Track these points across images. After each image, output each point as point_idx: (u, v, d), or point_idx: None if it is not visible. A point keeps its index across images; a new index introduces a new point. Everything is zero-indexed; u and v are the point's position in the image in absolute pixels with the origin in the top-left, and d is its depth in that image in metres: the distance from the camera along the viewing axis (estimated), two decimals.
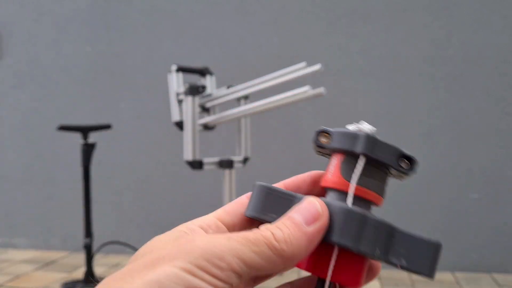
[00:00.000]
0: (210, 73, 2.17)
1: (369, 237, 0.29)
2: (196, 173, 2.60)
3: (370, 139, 0.32)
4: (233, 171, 2.04)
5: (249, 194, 0.33)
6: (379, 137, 0.32)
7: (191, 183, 2.63)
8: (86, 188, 2.19)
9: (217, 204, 2.51)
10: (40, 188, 2.82)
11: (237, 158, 2.07)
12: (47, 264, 2.53)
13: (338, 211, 0.29)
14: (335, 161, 0.32)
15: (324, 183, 0.32)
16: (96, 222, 2.58)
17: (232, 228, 0.31)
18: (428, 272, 0.30)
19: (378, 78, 2.45)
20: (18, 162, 2.85)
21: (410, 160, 0.32)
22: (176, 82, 2.09)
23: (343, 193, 0.31)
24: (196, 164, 1.95)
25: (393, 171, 0.32)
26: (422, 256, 0.30)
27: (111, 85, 2.73)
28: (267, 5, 2.54)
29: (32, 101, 2.82)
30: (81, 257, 2.61)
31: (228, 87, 2.05)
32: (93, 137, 2.25)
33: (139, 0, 2.68)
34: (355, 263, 0.31)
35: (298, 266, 0.31)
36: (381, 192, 0.32)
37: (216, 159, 2.03)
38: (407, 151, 0.32)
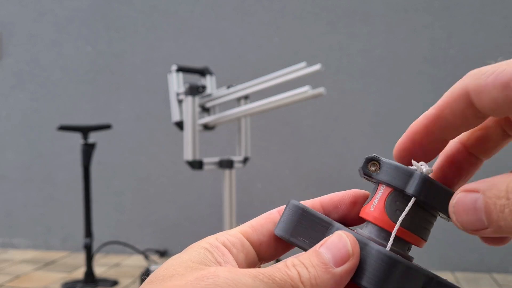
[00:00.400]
0: (210, 73, 2.17)
1: (396, 281, 0.26)
2: (196, 173, 2.60)
3: (426, 182, 0.29)
4: (233, 171, 2.04)
5: (280, 209, 0.31)
6: (435, 181, 0.29)
7: (191, 183, 2.63)
8: (86, 188, 2.19)
9: (218, 204, 2.52)
10: (40, 188, 2.83)
11: (237, 158, 2.07)
12: (47, 264, 2.53)
13: (374, 254, 0.27)
14: (381, 195, 0.30)
15: (364, 215, 0.30)
16: (96, 222, 2.58)
17: (258, 246, 0.30)
18: None
19: (378, 78, 2.45)
20: (18, 162, 2.85)
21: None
22: (176, 82, 2.09)
23: (383, 231, 0.29)
24: (196, 164, 1.95)
25: (442, 215, 0.30)
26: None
27: (111, 85, 2.73)
28: (267, 5, 2.54)
29: (32, 101, 2.82)
30: (81, 257, 2.61)
31: (228, 87, 2.05)
32: (93, 137, 2.25)
33: (139, 0, 2.68)
34: None
35: None
36: (424, 235, 0.30)
37: (216, 159, 2.02)
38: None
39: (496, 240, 0.28)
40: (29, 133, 2.83)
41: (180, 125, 2.03)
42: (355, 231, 0.29)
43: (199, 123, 2.00)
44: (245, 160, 2.11)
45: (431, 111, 0.31)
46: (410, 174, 0.29)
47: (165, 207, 2.69)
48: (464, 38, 2.37)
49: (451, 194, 0.28)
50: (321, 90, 1.71)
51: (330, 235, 0.28)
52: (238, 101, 2.02)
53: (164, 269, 0.27)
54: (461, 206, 0.26)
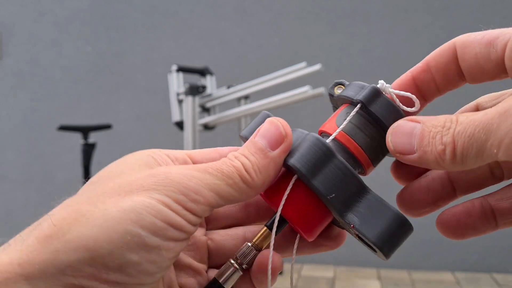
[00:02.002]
0: (210, 73, 2.17)
1: (329, 177, 0.27)
2: None
3: (374, 91, 0.30)
4: None
5: (232, 148, 0.31)
6: (386, 96, 0.30)
7: None
8: None
9: None
10: (40, 188, 2.83)
11: None
12: None
13: (308, 137, 0.28)
14: (338, 110, 0.32)
15: (321, 127, 0.32)
16: None
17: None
18: (377, 242, 0.27)
19: (378, 78, 2.42)
20: (18, 162, 2.85)
21: None
22: (176, 82, 2.09)
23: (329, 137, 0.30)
24: None
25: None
26: (379, 225, 0.27)
27: (111, 85, 2.73)
28: (268, 5, 2.54)
29: (32, 101, 2.83)
30: None
31: (228, 87, 2.05)
32: (93, 137, 2.25)
33: (139, 0, 2.68)
34: (313, 208, 0.28)
35: (261, 195, 0.30)
36: (369, 152, 0.30)
37: None
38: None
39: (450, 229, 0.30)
40: (29, 133, 2.83)
41: (180, 125, 2.03)
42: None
43: (199, 123, 2.00)
44: None
45: (419, 64, 0.32)
46: (363, 86, 0.30)
47: None
48: None
49: (398, 113, 0.29)
50: (321, 90, 1.71)
51: (263, 124, 0.29)
52: (238, 101, 2.02)
53: (108, 171, 0.28)
54: (400, 129, 0.27)
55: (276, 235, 0.29)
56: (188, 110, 1.94)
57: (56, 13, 2.78)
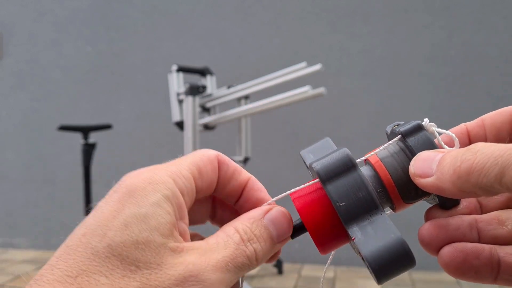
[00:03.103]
0: (211, 73, 2.17)
1: (344, 186, 0.28)
2: None
3: (416, 126, 0.31)
4: None
5: (214, 155, 0.32)
6: (428, 134, 0.30)
7: None
8: (87, 188, 2.19)
9: None
10: (41, 188, 2.83)
11: (237, 158, 2.07)
12: None
13: (338, 149, 0.30)
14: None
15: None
16: None
17: (199, 192, 0.30)
18: (371, 262, 0.27)
19: (378, 78, 2.45)
20: (18, 162, 2.85)
21: None
22: (177, 82, 2.09)
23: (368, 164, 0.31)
24: None
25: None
26: (380, 246, 0.27)
27: (111, 85, 2.73)
28: (268, 5, 2.54)
29: (32, 101, 2.83)
30: None
31: (229, 87, 2.05)
32: (93, 137, 2.25)
33: (139, 0, 2.68)
34: (333, 225, 0.29)
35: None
36: (400, 184, 0.30)
37: None
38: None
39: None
40: (30, 133, 2.83)
41: (180, 125, 2.03)
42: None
43: (199, 123, 2.00)
44: (246, 160, 2.11)
45: (475, 119, 0.33)
46: (410, 123, 0.31)
47: None
48: (464, 38, 2.37)
49: (433, 147, 0.30)
50: (321, 90, 1.71)
51: (273, 207, 0.30)
52: (238, 101, 2.02)
53: (127, 235, 0.26)
54: (423, 155, 0.28)
55: (292, 238, 0.31)
56: (188, 110, 1.94)
57: (56, 13, 2.78)
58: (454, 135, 0.31)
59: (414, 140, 0.30)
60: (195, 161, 0.31)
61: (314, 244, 0.30)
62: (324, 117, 2.48)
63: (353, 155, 0.30)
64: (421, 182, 0.27)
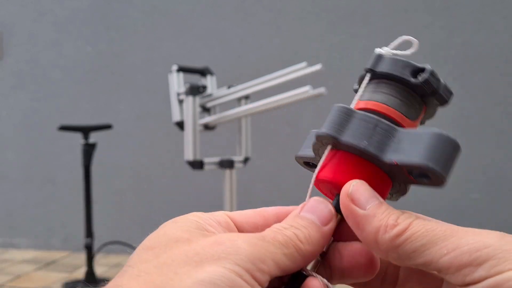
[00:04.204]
0: (211, 73, 2.17)
1: (356, 129, 0.29)
2: (197, 173, 2.60)
3: (377, 56, 0.32)
4: (234, 171, 2.04)
5: (272, 208, 0.32)
6: (390, 55, 0.31)
7: (192, 183, 2.63)
8: (87, 188, 2.19)
9: (218, 204, 2.52)
10: (41, 188, 2.83)
11: (237, 158, 2.07)
12: (48, 264, 2.53)
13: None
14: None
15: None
16: (97, 222, 2.57)
17: (241, 230, 0.30)
18: (427, 162, 0.27)
19: None
20: (18, 162, 2.85)
21: (423, 70, 0.31)
22: (177, 82, 2.09)
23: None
24: (197, 164, 1.95)
25: (428, 99, 0.31)
26: (423, 148, 0.27)
27: (111, 85, 2.73)
28: (268, 5, 2.54)
29: (32, 101, 2.83)
30: (81, 257, 2.61)
31: (229, 87, 2.05)
32: (93, 137, 2.25)
33: (139, 0, 2.68)
34: (365, 166, 0.29)
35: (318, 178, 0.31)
36: (397, 106, 0.30)
37: (216, 159, 2.03)
38: (419, 64, 0.31)
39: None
40: (30, 133, 2.83)
41: (180, 125, 2.03)
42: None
43: (199, 123, 2.00)
44: (246, 160, 2.11)
45: None
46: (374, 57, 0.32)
47: (165, 207, 2.69)
48: (465, 38, 2.37)
49: (404, 62, 0.31)
50: (321, 90, 1.71)
51: (307, 201, 0.30)
52: (238, 101, 2.02)
53: (162, 234, 0.28)
54: (367, 185, 0.29)
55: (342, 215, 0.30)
56: (188, 110, 1.94)
57: (56, 13, 2.78)
58: (412, 38, 0.32)
59: (385, 67, 0.31)
60: (238, 211, 0.32)
61: None
62: (325, 117, 2.48)
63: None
64: (349, 206, 0.28)
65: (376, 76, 0.31)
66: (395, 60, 0.31)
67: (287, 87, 1.88)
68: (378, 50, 0.32)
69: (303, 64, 1.84)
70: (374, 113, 0.30)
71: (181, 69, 2.11)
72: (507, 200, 2.38)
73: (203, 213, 0.30)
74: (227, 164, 2.01)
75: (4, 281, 2.24)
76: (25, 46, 2.82)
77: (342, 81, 2.49)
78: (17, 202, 2.86)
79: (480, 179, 2.39)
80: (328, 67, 2.40)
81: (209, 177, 2.57)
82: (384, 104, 0.31)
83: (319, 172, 0.31)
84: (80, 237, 2.67)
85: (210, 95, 2.04)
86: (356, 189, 0.28)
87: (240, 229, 0.30)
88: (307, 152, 0.33)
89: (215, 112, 2.10)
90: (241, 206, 2.58)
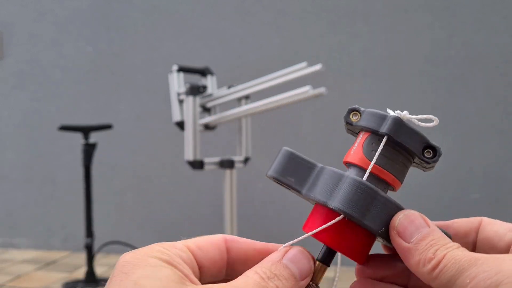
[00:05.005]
0: (211, 73, 2.17)
1: (376, 214, 0.30)
2: (197, 173, 2.60)
3: (397, 122, 0.32)
4: (234, 171, 2.04)
5: (228, 237, 0.32)
6: (407, 123, 0.32)
7: (192, 183, 2.63)
8: (87, 188, 2.19)
9: (218, 203, 2.52)
10: (41, 188, 2.83)
11: (238, 158, 2.07)
12: (48, 264, 2.54)
13: (350, 181, 0.30)
14: (360, 139, 0.33)
15: (345, 158, 0.33)
16: (97, 222, 2.58)
17: (201, 267, 0.30)
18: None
19: (379, 78, 2.45)
20: (19, 162, 2.85)
21: (434, 150, 0.32)
22: (177, 82, 2.09)
23: (362, 170, 0.32)
24: (197, 164, 1.95)
25: (416, 159, 0.33)
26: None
27: (112, 85, 2.73)
28: (268, 5, 2.54)
29: (32, 101, 2.83)
30: (82, 257, 2.61)
31: (229, 87, 2.05)
32: (94, 137, 2.25)
33: (139, 0, 2.68)
34: (361, 237, 0.31)
35: (305, 230, 0.32)
36: (399, 176, 0.32)
37: (217, 159, 2.03)
38: (433, 142, 0.32)
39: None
40: (30, 133, 2.83)
41: (180, 125, 2.03)
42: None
43: (199, 123, 2.00)
44: (246, 160, 2.11)
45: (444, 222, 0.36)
46: (384, 117, 0.33)
47: (166, 207, 2.69)
48: (465, 38, 2.37)
49: (422, 137, 0.32)
50: (322, 90, 1.71)
51: (291, 248, 0.31)
52: (238, 101, 2.02)
53: (124, 268, 0.27)
54: (413, 218, 0.31)
55: (328, 266, 0.32)
56: (188, 110, 1.94)
57: (57, 13, 2.78)
58: (433, 117, 0.33)
59: (404, 139, 0.32)
60: (192, 239, 0.31)
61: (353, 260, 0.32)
62: (325, 117, 2.48)
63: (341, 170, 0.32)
64: (396, 239, 0.30)
65: (389, 140, 0.32)
66: (414, 134, 0.32)
67: (287, 87, 1.88)
68: (397, 113, 0.33)
69: (303, 64, 1.84)
70: (382, 180, 0.32)
71: (181, 69, 2.11)
72: (507, 200, 2.38)
73: (166, 247, 0.29)
74: (227, 164, 2.01)
75: (4, 281, 2.24)
76: (25, 46, 2.82)
77: (342, 81, 2.49)
78: (17, 202, 2.86)
79: (480, 179, 2.39)
80: (328, 67, 2.40)
81: (209, 177, 2.57)
82: (394, 176, 0.32)
83: (307, 226, 0.32)
84: (80, 237, 2.67)
85: (210, 95, 2.04)
86: (402, 222, 0.30)
87: (200, 266, 0.30)
88: (289, 181, 0.33)
89: (215, 112, 2.10)
90: (241, 206, 2.59)
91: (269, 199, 2.50)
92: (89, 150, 2.16)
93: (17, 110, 2.85)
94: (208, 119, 2.02)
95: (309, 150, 2.48)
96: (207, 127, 2.07)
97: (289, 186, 0.32)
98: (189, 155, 1.94)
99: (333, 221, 0.30)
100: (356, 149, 0.33)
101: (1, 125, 2.87)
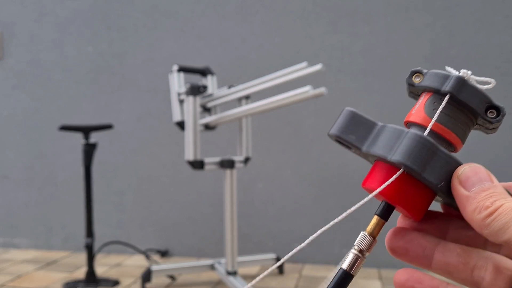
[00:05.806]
0: (211, 73, 2.17)
1: (436, 168, 0.30)
2: (197, 173, 2.60)
3: (460, 81, 0.32)
4: (234, 171, 2.04)
5: None
6: (470, 83, 0.32)
7: (192, 183, 2.63)
8: (88, 188, 2.19)
9: (219, 203, 2.53)
10: (42, 188, 2.83)
11: (238, 158, 2.07)
12: (49, 264, 2.54)
13: (410, 136, 0.30)
14: (422, 99, 0.33)
15: (407, 117, 0.34)
16: (97, 222, 2.58)
17: None
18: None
19: (379, 77, 2.45)
20: (19, 162, 2.85)
21: (498, 110, 0.32)
22: (177, 82, 2.09)
23: (423, 128, 0.32)
24: (197, 164, 1.95)
25: (479, 119, 0.33)
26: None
27: (112, 85, 2.73)
28: (269, 5, 2.54)
29: (33, 101, 2.83)
30: (82, 257, 2.61)
31: (229, 87, 2.05)
32: (94, 137, 2.25)
33: (140, 0, 2.68)
34: (420, 193, 0.31)
35: (365, 186, 0.33)
36: (461, 135, 0.33)
37: (217, 159, 2.03)
38: (496, 102, 0.32)
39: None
40: (31, 133, 2.83)
41: (181, 125, 2.03)
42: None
43: (200, 123, 2.00)
44: (246, 160, 2.11)
45: None
46: (447, 77, 0.32)
47: (166, 207, 2.69)
48: (465, 37, 2.37)
49: (485, 96, 0.32)
50: (322, 90, 1.71)
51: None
52: (239, 101, 2.02)
53: None
54: (479, 171, 0.31)
55: (386, 221, 0.32)
56: (189, 110, 1.94)
57: (57, 14, 2.78)
58: (492, 80, 0.33)
59: (466, 97, 0.32)
60: None
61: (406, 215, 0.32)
62: (325, 117, 2.48)
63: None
64: (457, 187, 0.30)
65: (451, 99, 0.32)
66: (477, 92, 0.32)
67: (288, 87, 1.89)
68: (462, 72, 0.33)
69: (304, 64, 1.84)
70: (443, 139, 0.32)
71: (182, 69, 2.12)
72: None
73: None
74: (227, 164, 2.02)
75: (4, 281, 2.25)
76: (26, 46, 2.83)
77: (343, 80, 2.49)
78: (18, 202, 2.87)
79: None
80: (329, 67, 2.40)
81: (209, 177, 2.58)
82: (455, 134, 0.33)
83: (370, 183, 0.33)
84: (81, 237, 2.67)
85: (210, 95, 2.04)
86: (466, 172, 0.31)
87: None
88: (350, 138, 0.34)
89: (215, 112, 2.10)
90: (241, 206, 2.59)
91: (270, 199, 2.50)
92: (89, 150, 2.16)
93: (18, 110, 2.85)
94: (208, 119, 2.02)
95: (310, 150, 2.48)
96: (208, 127, 2.07)
97: (350, 144, 0.33)
98: (190, 155, 1.95)
99: (394, 177, 0.31)
100: (417, 108, 0.33)
101: (1, 125, 2.87)
